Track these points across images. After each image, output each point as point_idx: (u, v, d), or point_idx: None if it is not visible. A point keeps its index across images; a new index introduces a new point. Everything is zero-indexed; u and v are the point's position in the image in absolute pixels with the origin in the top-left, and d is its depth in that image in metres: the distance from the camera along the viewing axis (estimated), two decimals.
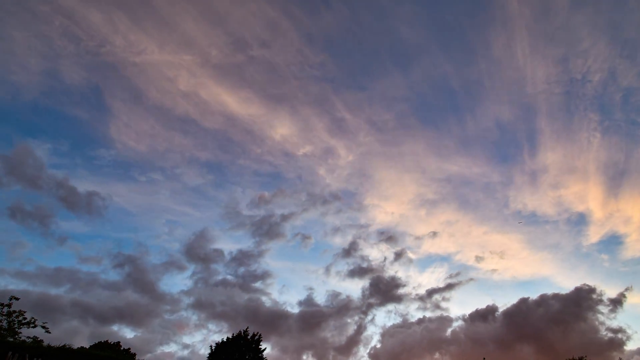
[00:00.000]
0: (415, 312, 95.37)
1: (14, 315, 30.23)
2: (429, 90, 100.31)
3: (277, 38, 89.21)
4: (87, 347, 37.34)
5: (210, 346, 34.55)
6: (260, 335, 35.50)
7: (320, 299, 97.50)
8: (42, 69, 78.73)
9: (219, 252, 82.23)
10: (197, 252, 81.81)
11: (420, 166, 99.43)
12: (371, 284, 78.67)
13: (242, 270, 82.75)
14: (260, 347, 34.87)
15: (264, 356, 34.92)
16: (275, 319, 72.04)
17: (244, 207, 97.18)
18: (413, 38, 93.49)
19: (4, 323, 29.81)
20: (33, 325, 30.65)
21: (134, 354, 43.32)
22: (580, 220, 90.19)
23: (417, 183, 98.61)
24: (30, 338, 30.43)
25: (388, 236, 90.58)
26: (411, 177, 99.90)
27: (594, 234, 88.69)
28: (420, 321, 71.20)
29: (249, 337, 35.07)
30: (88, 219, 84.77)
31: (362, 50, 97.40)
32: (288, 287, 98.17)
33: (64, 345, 27.22)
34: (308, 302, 77.10)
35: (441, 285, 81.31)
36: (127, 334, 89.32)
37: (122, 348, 42.81)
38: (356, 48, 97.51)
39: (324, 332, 71.60)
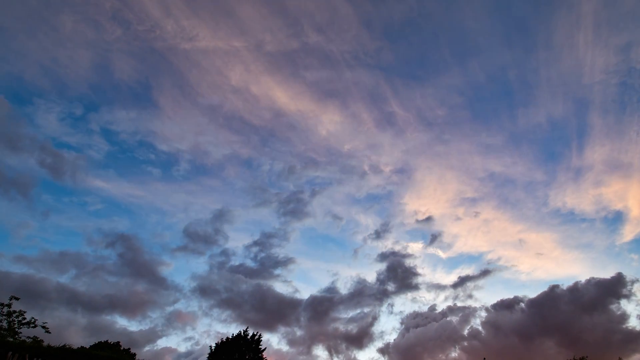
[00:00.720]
0: (441, 304, 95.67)
1: (14, 315, 30.26)
2: (485, 83, 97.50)
3: (334, 22, 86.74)
4: (87, 347, 37.37)
5: (210, 346, 34.62)
6: (260, 335, 35.57)
7: (345, 285, 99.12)
8: (90, 59, 79.11)
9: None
10: (211, 236, 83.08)
11: (464, 164, 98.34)
12: (397, 277, 79.28)
13: (263, 255, 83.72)
14: (260, 347, 34.92)
15: (264, 356, 34.98)
16: (290, 308, 72.77)
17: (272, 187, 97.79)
18: (476, 29, 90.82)
19: (4, 323, 29.83)
20: (33, 325, 30.67)
21: (134, 354, 43.36)
22: (616, 219, 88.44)
23: (458, 181, 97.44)
24: (30, 338, 30.45)
25: (422, 233, 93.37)
26: (453, 175, 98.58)
27: (628, 233, 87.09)
28: (445, 312, 71.37)
29: (249, 337, 35.12)
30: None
31: (422, 40, 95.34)
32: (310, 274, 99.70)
33: (64, 345, 27.25)
34: (331, 289, 77.83)
35: (470, 282, 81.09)
36: (124, 324, 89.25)
37: (122, 348, 42.83)
38: (416, 37, 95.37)
39: (344, 319, 72.56)
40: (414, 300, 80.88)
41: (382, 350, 66.79)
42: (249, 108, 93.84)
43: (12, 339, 28.68)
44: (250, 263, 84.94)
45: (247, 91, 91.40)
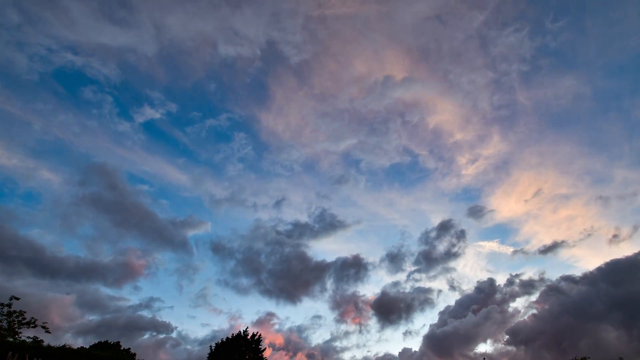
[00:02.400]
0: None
1: (14, 315, 30.22)
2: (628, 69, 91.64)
3: None
4: (87, 347, 37.39)
5: (210, 346, 34.61)
6: (260, 335, 35.56)
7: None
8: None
9: None
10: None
11: (570, 164, 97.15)
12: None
13: None
14: (260, 347, 34.92)
15: (264, 356, 34.97)
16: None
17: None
18: None
19: (4, 323, 29.80)
20: (33, 325, 30.63)
21: (134, 354, 43.36)
22: None
23: (555, 182, 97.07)
24: (30, 338, 30.43)
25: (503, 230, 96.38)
26: (553, 173, 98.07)
27: None
28: None
29: (249, 337, 35.11)
30: None
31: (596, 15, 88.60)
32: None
33: (64, 345, 27.28)
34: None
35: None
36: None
37: (122, 348, 42.85)
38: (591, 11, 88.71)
39: None
40: None
41: None
42: (362, 95, 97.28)
43: (12, 339, 28.67)
44: None
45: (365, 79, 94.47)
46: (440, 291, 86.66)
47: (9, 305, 30.31)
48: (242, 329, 35.72)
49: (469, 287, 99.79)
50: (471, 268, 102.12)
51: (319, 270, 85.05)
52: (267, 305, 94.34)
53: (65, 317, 65.11)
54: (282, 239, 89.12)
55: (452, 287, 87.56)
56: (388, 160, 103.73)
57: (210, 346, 34.60)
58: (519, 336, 64.97)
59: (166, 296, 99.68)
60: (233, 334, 35.32)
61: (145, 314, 73.82)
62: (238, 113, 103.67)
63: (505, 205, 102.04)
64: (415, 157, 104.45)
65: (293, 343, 73.89)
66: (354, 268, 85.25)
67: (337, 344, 76.35)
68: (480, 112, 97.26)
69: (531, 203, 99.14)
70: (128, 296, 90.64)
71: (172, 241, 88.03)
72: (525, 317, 70.53)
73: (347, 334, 77.83)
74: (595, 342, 57.23)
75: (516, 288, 78.34)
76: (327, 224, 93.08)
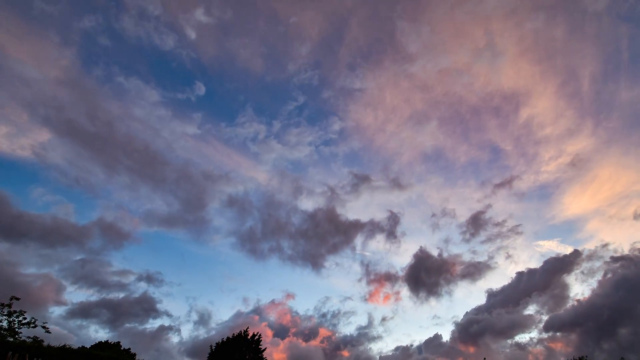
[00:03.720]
0: None
1: (14, 315, 30.22)
2: None
3: None
4: (88, 347, 37.36)
5: (210, 346, 34.56)
6: (260, 335, 35.53)
7: None
8: None
9: None
10: None
11: None
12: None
13: None
14: (260, 347, 34.88)
15: (264, 356, 34.93)
16: None
17: None
18: None
19: (4, 323, 29.80)
20: (33, 325, 30.62)
21: (134, 354, 43.32)
22: None
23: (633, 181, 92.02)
24: (30, 338, 30.43)
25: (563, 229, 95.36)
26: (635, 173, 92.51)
27: None
28: None
29: (249, 337, 35.07)
30: None
31: None
32: None
33: (64, 345, 27.26)
34: None
35: None
36: None
37: (122, 348, 42.81)
38: None
39: None
40: None
41: None
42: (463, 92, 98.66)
43: (12, 339, 28.66)
44: None
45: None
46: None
47: (9, 305, 30.30)
48: (242, 330, 35.75)
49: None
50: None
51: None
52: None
53: None
54: None
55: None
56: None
57: (211, 346, 34.57)
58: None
59: None
60: (234, 334, 35.30)
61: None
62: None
63: (577, 202, 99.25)
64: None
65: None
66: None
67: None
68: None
69: (605, 202, 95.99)
70: None
71: None
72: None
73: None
74: None
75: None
76: None
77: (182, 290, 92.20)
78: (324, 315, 79.04)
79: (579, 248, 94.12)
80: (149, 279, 74.50)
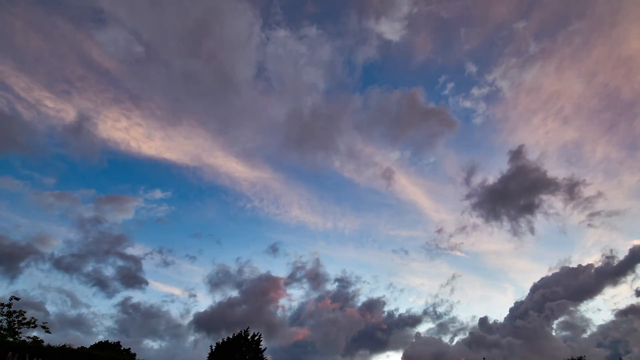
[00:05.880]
0: None
1: (14, 315, 30.17)
2: None
3: None
4: (87, 347, 37.32)
5: (211, 346, 34.53)
6: (260, 335, 35.49)
7: None
8: None
9: None
10: None
11: None
12: None
13: None
14: (260, 347, 34.84)
15: (264, 356, 34.90)
16: None
17: None
18: None
19: (4, 323, 29.74)
20: (33, 325, 30.58)
21: (134, 354, 43.29)
22: None
23: None
24: (30, 338, 30.39)
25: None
26: None
27: None
28: None
29: (249, 337, 35.04)
30: None
31: None
32: None
33: (64, 345, 27.21)
34: None
35: None
36: None
37: (122, 348, 42.78)
38: None
39: None
40: None
41: None
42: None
43: (12, 339, 28.61)
44: None
45: None
46: None
47: (9, 305, 30.27)
48: (243, 329, 35.71)
49: None
50: None
51: None
52: None
53: None
54: None
55: None
56: None
57: (211, 346, 34.53)
58: None
59: None
60: (234, 334, 35.26)
61: None
62: None
63: None
64: None
65: None
66: None
67: None
68: None
69: None
70: None
71: None
72: None
73: None
74: None
75: None
76: None
77: None
78: None
79: None
80: None
